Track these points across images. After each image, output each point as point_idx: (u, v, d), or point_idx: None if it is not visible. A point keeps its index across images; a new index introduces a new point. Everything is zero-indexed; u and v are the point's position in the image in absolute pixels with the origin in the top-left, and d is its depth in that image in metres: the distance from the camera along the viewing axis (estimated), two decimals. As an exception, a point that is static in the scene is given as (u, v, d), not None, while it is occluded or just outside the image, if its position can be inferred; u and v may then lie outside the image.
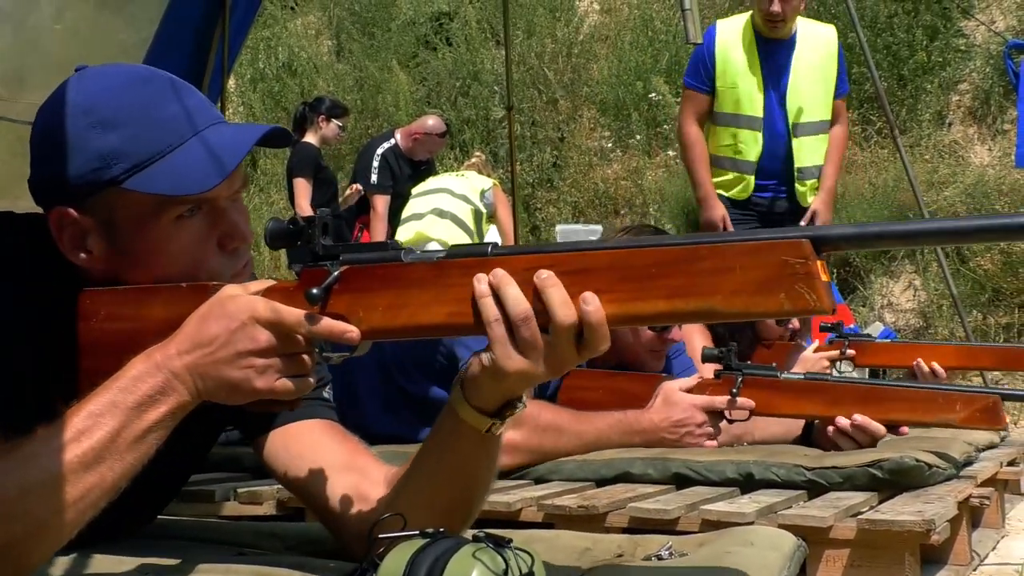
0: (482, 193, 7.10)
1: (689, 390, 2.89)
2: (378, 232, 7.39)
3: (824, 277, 1.18)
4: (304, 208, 7.05)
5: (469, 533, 1.26)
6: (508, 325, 1.28)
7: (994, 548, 3.19)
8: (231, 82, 11.01)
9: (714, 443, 2.95)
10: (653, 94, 10.08)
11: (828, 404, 2.89)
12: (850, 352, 3.99)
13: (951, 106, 9.76)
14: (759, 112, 5.08)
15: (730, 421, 2.94)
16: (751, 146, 5.10)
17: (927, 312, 8.43)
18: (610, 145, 10.40)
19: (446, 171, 8.21)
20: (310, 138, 7.31)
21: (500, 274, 1.28)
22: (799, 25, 5.23)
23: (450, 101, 11.10)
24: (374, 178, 7.47)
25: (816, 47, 5.19)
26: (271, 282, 1.41)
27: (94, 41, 4.82)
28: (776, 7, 5.01)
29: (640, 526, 2.39)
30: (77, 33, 4.66)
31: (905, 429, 2.95)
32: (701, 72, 5.21)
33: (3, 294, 1.48)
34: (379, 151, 7.57)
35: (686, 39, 4.47)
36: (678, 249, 1.23)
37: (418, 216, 6.96)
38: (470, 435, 1.43)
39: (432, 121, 7.75)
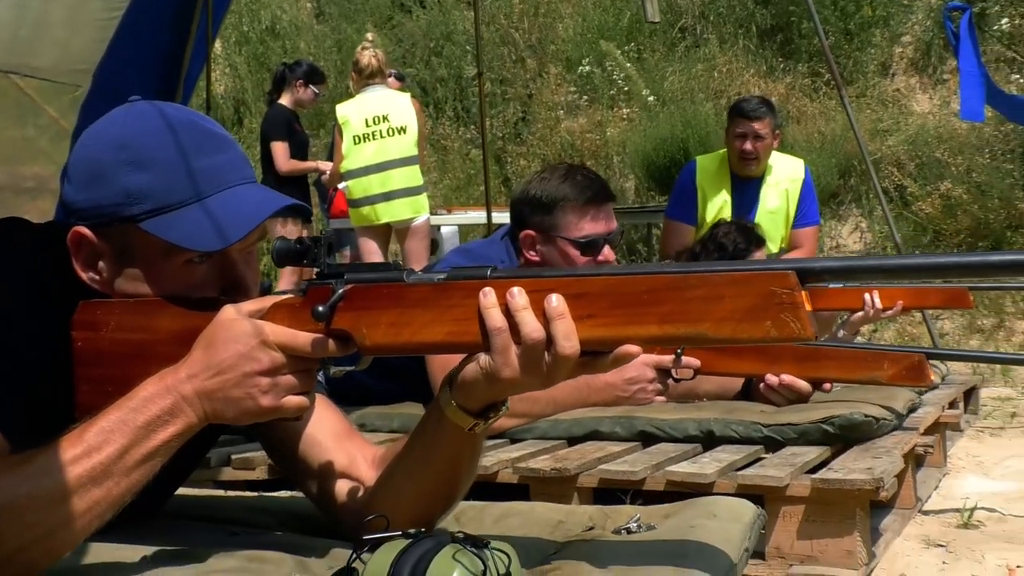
0: (418, 135, 6.39)
1: None
2: None
3: (808, 306, 1.16)
4: (283, 170, 6.93)
5: (449, 534, 1.24)
6: (515, 340, 1.27)
7: (936, 487, 3.21)
8: (216, 44, 10.87)
9: (663, 399, 2.95)
10: (590, 67, 10.04)
11: (767, 363, 2.92)
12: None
13: (895, 57, 9.73)
14: None
15: (676, 380, 2.94)
16: None
17: (872, 253, 8.46)
18: (575, 100, 10.34)
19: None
20: (284, 100, 7.15)
21: (519, 294, 1.27)
22: (772, 160, 5.16)
23: (424, 61, 10.99)
24: None
25: (781, 181, 5.12)
26: (274, 298, 1.39)
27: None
28: (748, 146, 4.98)
29: (609, 486, 2.39)
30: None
31: (828, 386, 2.97)
32: (686, 206, 5.14)
33: (17, 306, 1.45)
34: None
35: (645, 18, 4.42)
36: (669, 277, 1.21)
37: (383, 198, 6.32)
38: (454, 432, 1.42)
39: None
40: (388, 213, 6.31)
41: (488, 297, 1.28)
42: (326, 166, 7.30)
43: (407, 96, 6.54)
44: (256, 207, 1.46)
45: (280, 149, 6.95)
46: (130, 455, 1.31)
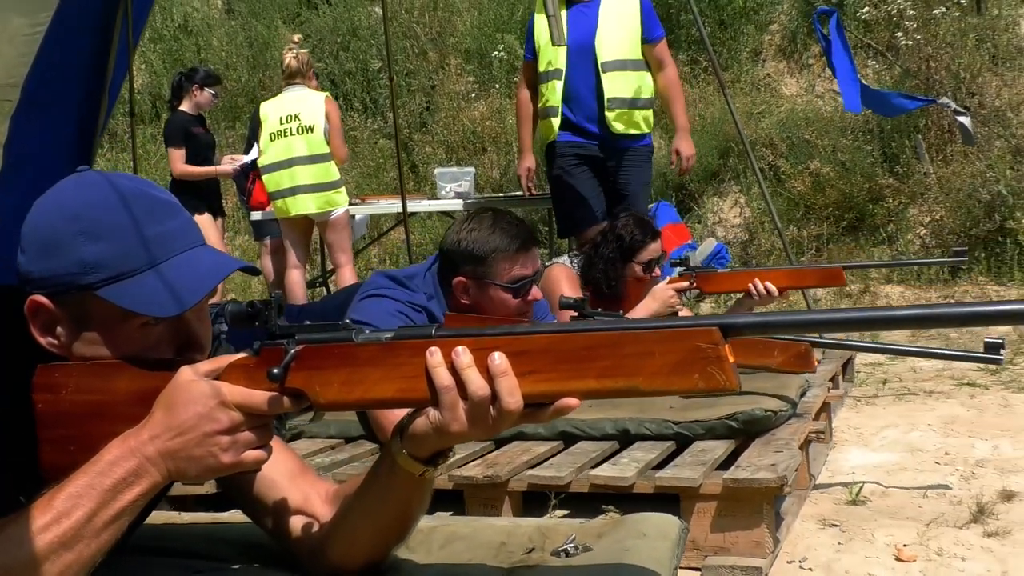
0: (326, 132, 6.29)
1: None
2: None
3: (731, 359, 1.16)
4: (175, 174, 6.86)
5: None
6: (462, 396, 1.25)
7: (825, 463, 3.29)
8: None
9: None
10: (498, 51, 10.00)
11: None
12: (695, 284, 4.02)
13: (764, 45, 9.86)
14: (562, 65, 4.97)
15: None
16: (553, 92, 5.02)
17: (751, 227, 8.60)
18: (475, 90, 10.28)
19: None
20: (185, 106, 7.04)
21: (463, 353, 1.25)
22: None
23: (332, 56, 10.81)
24: None
25: (619, 2, 5.04)
26: (229, 358, 1.35)
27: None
28: None
29: (538, 490, 2.40)
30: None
31: None
32: (529, 44, 5.16)
33: None
34: None
35: (553, 42, 4.39)
36: (605, 334, 1.20)
37: (291, 192, 6.26)
38: (406, 478, 1.41)
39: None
40: (295, 207, 6.28)
41: (435, 356, 1.26)
42: (224, 169, 7.09)
43: (322, 96, 6.43)
44: (210, 270, 1.43)
45: (173, 156, 6.88)
46: (99, 518, 1.28)
